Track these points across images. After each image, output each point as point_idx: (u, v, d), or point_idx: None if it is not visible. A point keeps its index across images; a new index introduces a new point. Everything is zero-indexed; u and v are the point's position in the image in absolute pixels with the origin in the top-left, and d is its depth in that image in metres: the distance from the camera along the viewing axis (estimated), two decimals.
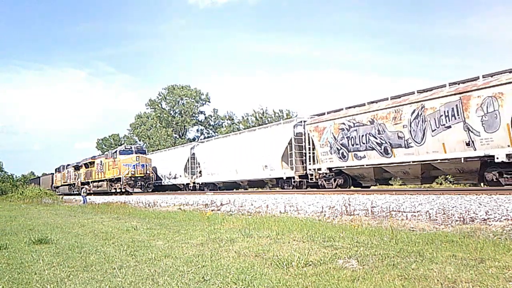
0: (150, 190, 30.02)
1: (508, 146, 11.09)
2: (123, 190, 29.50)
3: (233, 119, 56.32)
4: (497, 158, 11.25)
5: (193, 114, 59.06)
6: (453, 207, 7.71)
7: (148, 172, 30.15)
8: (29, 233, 7.97)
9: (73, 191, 38.99)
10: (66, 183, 41.96)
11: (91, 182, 34.90)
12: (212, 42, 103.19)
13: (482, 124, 11.73)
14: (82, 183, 37.06)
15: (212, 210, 12.32)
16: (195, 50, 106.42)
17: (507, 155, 11.05)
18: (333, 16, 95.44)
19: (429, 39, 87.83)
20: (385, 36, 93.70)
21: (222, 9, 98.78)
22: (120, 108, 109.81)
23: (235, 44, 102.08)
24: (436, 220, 7.25)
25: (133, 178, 29.23)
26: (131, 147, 31.50)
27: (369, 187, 17.07)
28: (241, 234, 6.52)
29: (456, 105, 12.44)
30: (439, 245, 5.00)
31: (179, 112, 58.93)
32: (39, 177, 62.06)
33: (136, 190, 29.21)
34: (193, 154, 28.35)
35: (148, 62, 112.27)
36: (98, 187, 33.50)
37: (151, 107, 60.57)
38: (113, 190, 30.55)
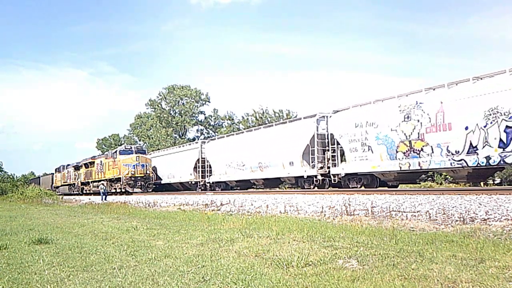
0: (150, 190, 29.98)
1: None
2: (123, 190, 29.49)
3: (233, 119, 56.26)
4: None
5: (193, 114, 59.01)
6: (453, 207, 7.72)
7: (148, 172, 30.10)
8: (29, 233, 7.96)
9: (73, 191, 38.98)
10: (66, 183, 41.95)
11: (91, 182, 34.89)
12: (212, 42, 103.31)
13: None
14: (82, 183, 37.06)
15: (212, 210, 12.31)
16: (195, 50, 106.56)
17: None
18: (334, 16, 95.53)
19: (429, 39, 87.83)
20: (385, 36, 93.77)
21: (225, 9, 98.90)
22: (120, 108, 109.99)
23: (235, 44, 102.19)
24: (436, 220, 7.25)
25: (133, 178, 29.20)
26: (131, 147, 31.43)
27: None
28: (241, 234, 6.52)
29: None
30: (439, 245, 5.00)
31: (179, 112, 58.86)
32: (39, 177, 61.98)
33: (136, 190, 29.16)
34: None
35: (149, 62, 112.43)
36: (98, 187, 33.50)
37: (151, 107, 60.53)
38: (113, 190, 30.53)
